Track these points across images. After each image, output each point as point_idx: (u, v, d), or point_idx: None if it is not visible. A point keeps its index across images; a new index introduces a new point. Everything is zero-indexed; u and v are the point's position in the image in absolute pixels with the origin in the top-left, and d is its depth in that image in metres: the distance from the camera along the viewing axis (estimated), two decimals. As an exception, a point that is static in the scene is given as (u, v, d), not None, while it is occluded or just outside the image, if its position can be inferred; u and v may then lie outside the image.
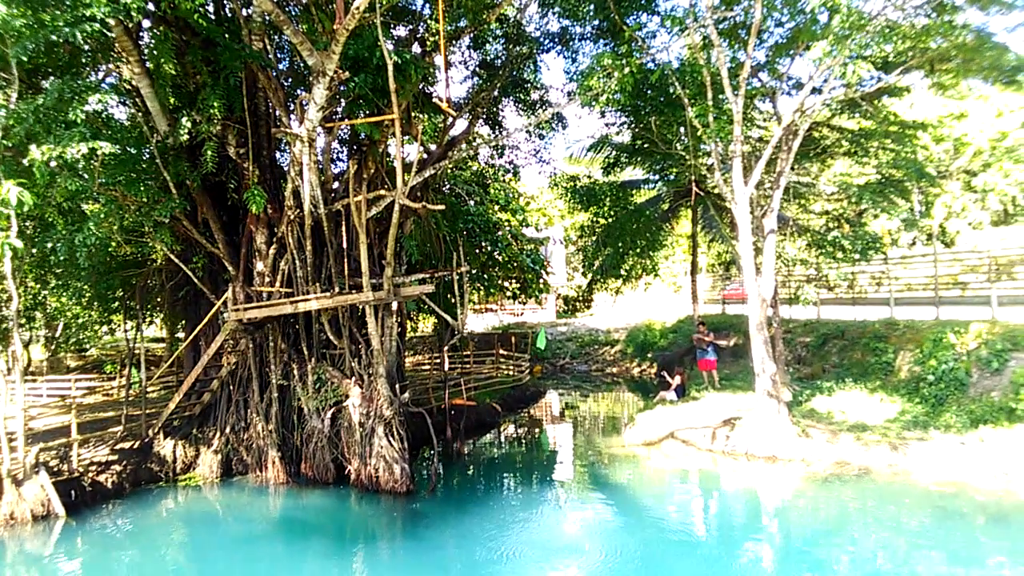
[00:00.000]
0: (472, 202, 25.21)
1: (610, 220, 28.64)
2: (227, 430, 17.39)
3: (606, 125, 24.56)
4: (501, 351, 29.62)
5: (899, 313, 22.50)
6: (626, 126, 24.06)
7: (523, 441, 22.22)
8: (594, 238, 30.16)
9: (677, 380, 21.42)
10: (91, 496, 15.09)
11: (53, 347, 28.81)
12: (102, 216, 14.33)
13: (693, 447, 17.65)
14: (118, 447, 16.70)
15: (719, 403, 19.51)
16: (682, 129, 21.06)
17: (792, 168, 19.15)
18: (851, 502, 13.61)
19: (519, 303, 43.40)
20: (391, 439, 15.67)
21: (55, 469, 14.88)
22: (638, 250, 30.23)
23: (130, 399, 18.60)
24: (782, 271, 26.74)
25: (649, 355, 33.57)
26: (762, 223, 17.86)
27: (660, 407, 20.25)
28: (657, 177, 29.52)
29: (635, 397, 28.03)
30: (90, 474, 15.51)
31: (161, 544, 13.52)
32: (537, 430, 23.85)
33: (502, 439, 22.59)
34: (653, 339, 33.99)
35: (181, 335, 22.40)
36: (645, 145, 24.44)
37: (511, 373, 28.67)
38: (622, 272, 31.74)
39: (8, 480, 13.89)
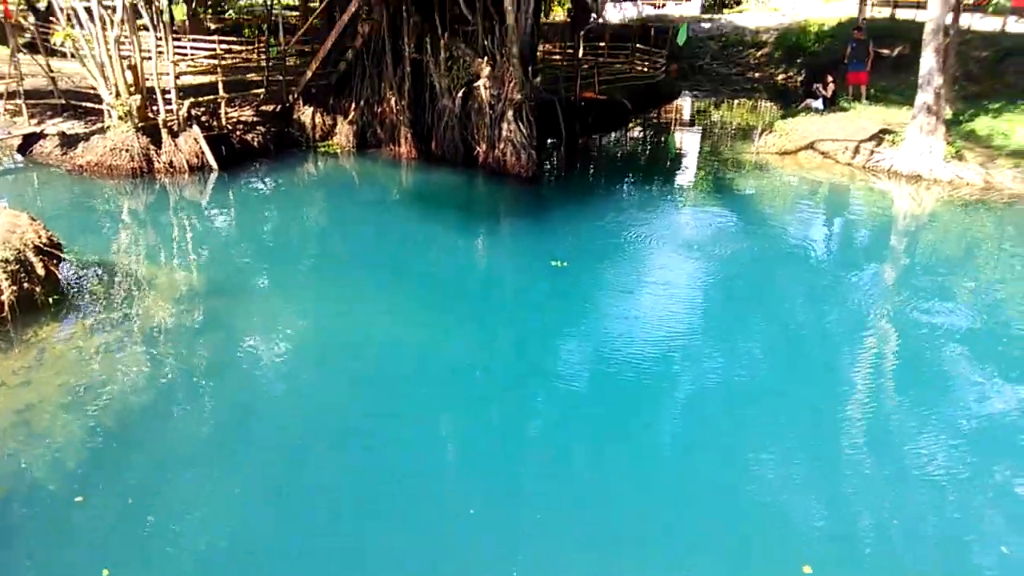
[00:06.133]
0: None
1: None
2: (362, 103, 17.75)
3: None
4: (638, 45, 27.84)
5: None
6: None
7: (650, 141, 21.81)
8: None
9: (831, 89, 19.80)
10: (239, 153, 16.13)
11: (193, 7, 29.27)
12: None
13: (832, 159, 16.76)
14: (261, 109, 17.51)
15: (869, 116, 18.15)
16: None
17: None
18: (989, 231, 12.91)
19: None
20: (520, 124, 15.61)
21: (206, 124, 15.85)
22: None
23: (269, 63, 19.05)
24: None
25: (799, 60, 30.86)
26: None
27: (803, 115, 19.06)
28: None
29: (775, 106, 26.38)
30: (238, 132, 16.47)
31: (303, 202, 14.70)
32: (666, 132, 23.22)
33: (629, 137, 22.22)
34: (806, 43, 30.89)
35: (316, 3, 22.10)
36: None
37: (646, 70, 27.24)
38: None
39: (165, 131, 14.96)
